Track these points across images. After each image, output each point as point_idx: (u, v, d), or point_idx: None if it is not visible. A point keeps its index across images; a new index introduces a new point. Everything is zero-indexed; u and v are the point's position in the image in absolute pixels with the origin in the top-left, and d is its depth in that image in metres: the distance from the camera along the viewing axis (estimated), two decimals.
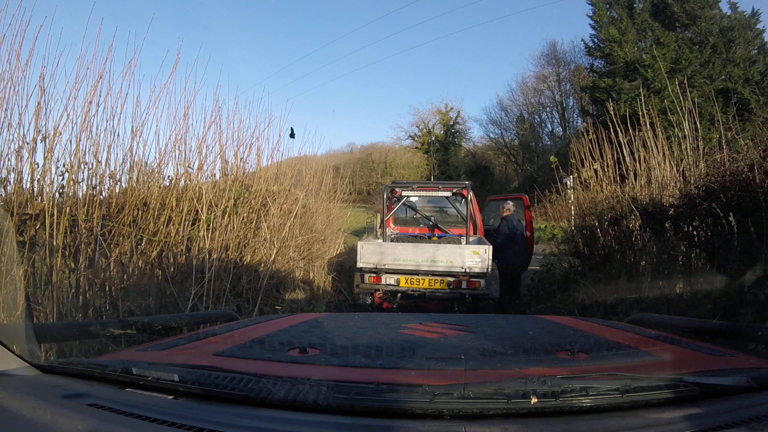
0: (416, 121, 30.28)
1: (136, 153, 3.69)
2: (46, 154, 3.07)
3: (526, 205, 6.26)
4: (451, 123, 29.73)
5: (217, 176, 4.55)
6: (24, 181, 3.04)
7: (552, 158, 5.77)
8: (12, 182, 3.00)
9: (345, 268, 6.40)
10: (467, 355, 1.15)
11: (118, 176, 3.56)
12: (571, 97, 25.65)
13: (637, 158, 4.42)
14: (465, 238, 5.19)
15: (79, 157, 3.23)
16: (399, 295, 4.85)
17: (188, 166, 4.17)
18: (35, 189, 3.06)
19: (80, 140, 3.25)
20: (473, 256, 4.57)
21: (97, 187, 3.40)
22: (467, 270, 4.55)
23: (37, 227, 2.91)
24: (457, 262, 4.59)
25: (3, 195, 2.98)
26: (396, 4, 45.99)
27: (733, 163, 3.35)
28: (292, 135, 5.81)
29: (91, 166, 3.36)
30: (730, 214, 2.94)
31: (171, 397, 0.85)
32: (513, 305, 5.22)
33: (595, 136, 4.74)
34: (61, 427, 0.76)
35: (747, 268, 2.75)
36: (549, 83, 26.36)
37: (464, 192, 5.38)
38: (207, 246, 3.90)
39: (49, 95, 3.15)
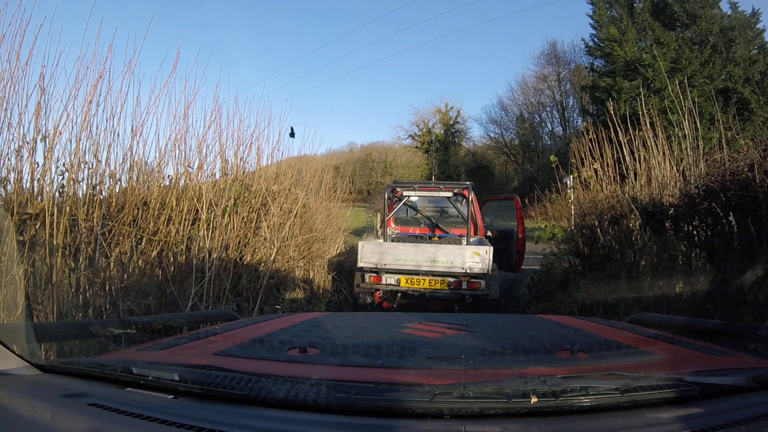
0: (416, 120, 30.28)
1: (136, 152, 3.70)
2: (46, 153, 3.08)
3: (518, 206, 6.26)
4: (451, 122, 29.70)
5: (217, 176, 4.55)
6: (24, 181, 3.05)
7: (552, 158, 5.76)
8: (12, 182, 3.00)
9: (345, 267, 6.39)
10: (467, 355, 1.15)
11: (118, 176, 3.57)
12: (571, 97, 25.64)
13: (637, 158, 4.41)
14: (466, 238, 5.20)
15: (79, 157, 3.23)
16: (399, 294, 4.85)
17: (188, 166, 4.17)
18: (35, 188, 3.06)
19: (80, 140, 3.26)
20: (474, 257, 4.57)
21: (97, 187, 3.40)
22: (467, 270, 4.56)
23: (37, 227, 2.91)
24: (457, 262, 4.59)
25: (3, 194, 2.98)
26: (396, 4, 46.04)
27: (733, 162, 3.34)
28: (292, 134, 5.81)
29: (91, 166, 3.36)
30: (730, 213, 2.93)
31: (171, 396, 0.85)
32: None
33: (595, 136, 4.73)
34: (61, 427, 0.76)
35: (747, 268, 2.75)
36: (549, 83, 26.35)
37: (465, 192, 5.38)
38: (207, 245, 3.90)
39: (49, 95, 3.15)
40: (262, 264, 4.55)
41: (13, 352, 0.98)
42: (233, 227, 4.24)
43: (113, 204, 3.43)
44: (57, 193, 3.12)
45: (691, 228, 3.36)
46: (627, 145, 4.55)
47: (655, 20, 17.33)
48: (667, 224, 3.64)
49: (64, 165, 3.19)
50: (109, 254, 3.24)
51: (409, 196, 5.93)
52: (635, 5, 18.18)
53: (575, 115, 24.96)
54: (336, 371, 1.04)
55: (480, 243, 5.10)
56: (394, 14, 45.00)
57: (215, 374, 0.86)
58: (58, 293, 2.83)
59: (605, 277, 4.15)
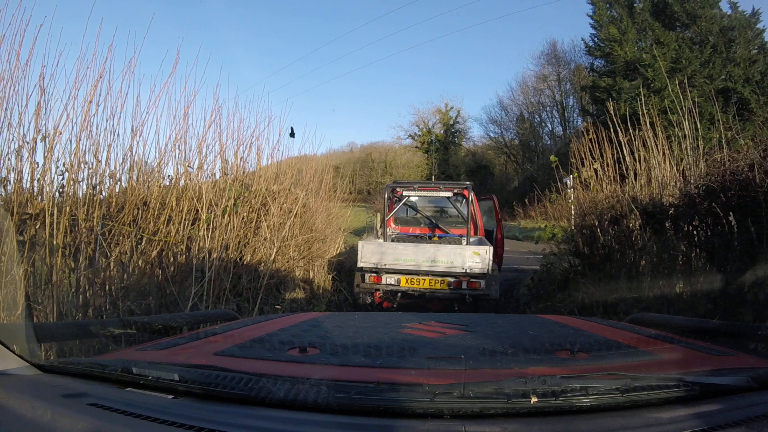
0: (416, 120, 30.35)
1: (136, 152, 3.69)
2: (46, 153, 3.08)
3: (496, 206, 6.26)
4: (451, 122, 29.74)
5: (217, 175, 4.55)
6: (24, 181, 3.05)
7: (552, 158, 5.76)
8: (12, 182, 3.00)
9: (345, 267, 6.39)
10: (467, 355, 1.15)
11: (118, 176, 3.57)
12: (571, 97, 25.68)
13: (637, 158, 4.41)
14: (466, 238, 5.20)
15: (79, 157, 3.23)
16: (399, 294, 4.85)
17: (188, 166, 4.17)
18: (35, 188, 3.06)
19: (80, 140, 3.25)
20: (474, 257, 4.57)
21: (97, 187, 3.40)
22: (467, 270, 4.56)
23: (37, 227, 2.91)
24: (457, 262, 4.59)
25: (3, 194, 2.98)
26: (396, 4, 46.12)
27: (733, 162, 3.34)
28: (292, 134, 5.81)
29: (91, 166, 3.36)
30: (730, 213, 2.93)
31: (171, 396, 0.85)
32: None
33: (595, 136, 4.73)
34: (61, 427, 0.76)
35: (747, 268, 2.75)
36: (549, 83, 26.38)
37: (465, 192, 5.39)
38: (207, 245, 3.90)
39: (49, 95, 3.15)
40: (262, 264, 4.55)
41: (13, 352, 0.98)
42: (233, 227, 4.24)
43: (113, 204, 3.43)
44: (57, 193, 3.12)
45: (691, 228, 3.36)
46: (627, 145, 4.55)
47: (655, 20, 17.34)
48: (667, 224, 3.64)
49: (64, 165, 3.19)
50: (109, 254, 3.24)
51: (409, 196, 5.93)
52: (635, 5, 18.19)
53: (575, 115, 25.04)
54: (336, 371, 1.04)
55: (480, 243, 5.10)
56: (394, 14, 45.25)
57: (215, 374, 0.86)
58: (58, 293, 2.82)
59: (605, 277, 4.15)
